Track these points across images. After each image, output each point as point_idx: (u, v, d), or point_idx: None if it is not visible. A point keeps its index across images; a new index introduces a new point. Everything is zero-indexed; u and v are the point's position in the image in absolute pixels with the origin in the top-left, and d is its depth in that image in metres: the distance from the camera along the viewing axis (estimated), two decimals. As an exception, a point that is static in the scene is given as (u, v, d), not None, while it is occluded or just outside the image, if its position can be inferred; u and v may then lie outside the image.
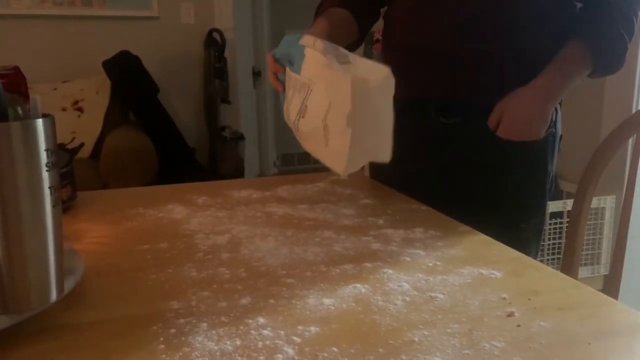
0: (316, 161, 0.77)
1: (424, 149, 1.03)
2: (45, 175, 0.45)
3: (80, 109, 2.93)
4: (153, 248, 0.70)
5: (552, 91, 0.92)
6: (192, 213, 0.84)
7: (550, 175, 1.03)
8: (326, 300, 0.54)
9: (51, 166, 0.45)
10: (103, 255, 0.68)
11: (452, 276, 0.60)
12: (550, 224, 2.01)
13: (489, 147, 0.96)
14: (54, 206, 0.46)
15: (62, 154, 0.87)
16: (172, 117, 3.26)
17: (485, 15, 0.94)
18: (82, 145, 2.87)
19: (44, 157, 0.44)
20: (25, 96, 0.49)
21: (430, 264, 0.64)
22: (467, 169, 0.99)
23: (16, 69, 0.49)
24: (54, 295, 0.48)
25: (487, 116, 0.94)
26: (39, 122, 0.44)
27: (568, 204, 1.98)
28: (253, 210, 0.85)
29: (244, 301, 0.54)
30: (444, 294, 0.56)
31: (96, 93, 3.00)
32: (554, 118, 1.00)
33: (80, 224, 0.81)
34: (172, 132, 3.21)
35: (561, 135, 1.05)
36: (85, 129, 2.89)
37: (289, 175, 1.10)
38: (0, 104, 0.42)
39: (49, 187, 0.45)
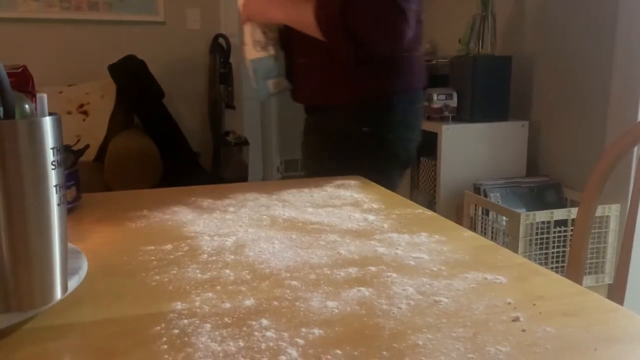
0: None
1: (304, 135, 1.38)
2: (51, 173, 0.45)
3: (85, 113, 2.94)
4: (157, 249, 0.70)
5: (272, 3, 1.19)
6: (197, 215, 0.84)
7: (380, 172, 1.18)
8: (330, 303, 0.54)
9: (57, 165, 0.46)
10: (107, 256, 0.68)
11: (456, 281, 0.60)
12: (554, 232, 2.00)
13: (326, 137, 1.29)
14: (58, 204, 0.46)
15: (67, 155, 0.87)
16: (177, 121, 3.27)
17: (301, 36, 1.18)
18: (87, 146, 2.86)
19: (50, 155, 0.44)
20: (32, 95, 0.49)
21: (435, 269, 0.63)
22: (319, 151, 1.32)
23: (24, 68, 0.50)
24: (58, 294, 0.48)
25: (325, 115, 1.28)
26: (46, 120, 0.44)
27: (572, 212, 1.97)
28: (258, 214, 0.85)
29: (247, 303, 0.54)
30: (448, 298, 0.56)
31: (101, 97, 3.01)
32: (366, 119, 1.23)
33: (85, 225, 0.81)
34: (177, 137, 3.22)
35: (391, 137, 1.25)
36: (90, 133, 2.90)
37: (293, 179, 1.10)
38: (8, 101, 0.43)
39: (55, 186, 0.45)
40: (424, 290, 0.57)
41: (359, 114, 1.23)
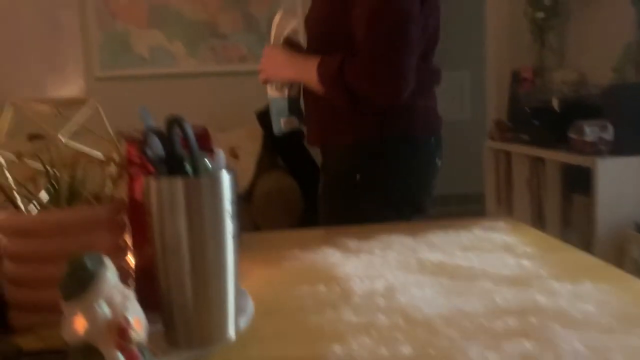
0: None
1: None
2: (228, 223, 0.50)
3: (235, 156, 3.18)
4: (311, 290, 0.73)
5: (281, 63, 1.33)
6: (345, 256, 0.87)
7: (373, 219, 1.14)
8: (490, 355, 0.52)
9: (233, 215, 0.50)
10: (267, 295, 0.73)
11: (632, 337, 0.55)
12: None
13: (326, 178, 1.41)
14: (234, 252, 0.50)
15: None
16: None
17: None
18: (245, 190, 3.09)
19: (228, 207, 0.49)
20: (211, 151, 0.55)
21: (605, 322, 0.59)
22: (322, 191, 1.42)
23: (204, 129, 0.56)
24: (231, 333, 0.52)
25: (326, 156, 1.41)
26: (225, 176, 0.49)
27: None
28: (405, 256, 0.85)
29: (404, 350, 0.54)
30: (624, 356, 0.51)
31: (249, 141, 3.24)
32: (359, 163, 1.27)
33: (244, 264, 0.87)
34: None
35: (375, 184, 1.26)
36: (240, 174, 3.13)
37: (437, 219, 1.09)
38: (196, 160, 0.48)
39: (231, 234, 0.50)
40: (594, 346, 0.53)
41: (352, 158, 1.29)
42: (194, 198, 0.48)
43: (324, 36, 1.27)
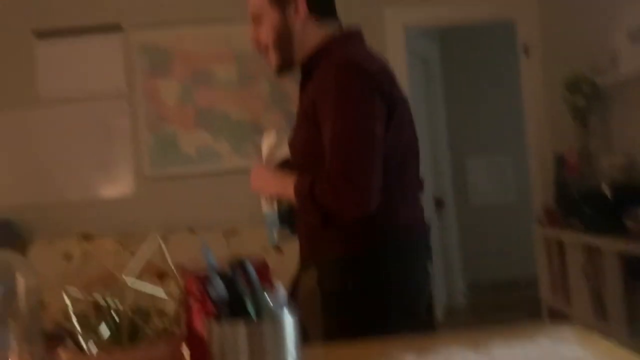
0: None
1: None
2: (291, 367, 0.48)
3: (280, 250, 3.19)
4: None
5: (266, 181, 1.46)
6: (405, 377, 0.83)
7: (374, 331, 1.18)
8: None
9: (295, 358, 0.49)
10: None
11: None
12: None
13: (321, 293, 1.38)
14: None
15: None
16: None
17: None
18: (289, 286, 3.06)
19: (292, 351, 0.48)
20: (271, 283, 0.55)
21: None
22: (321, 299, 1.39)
23: (263, 261, 0.56)
24: None
25: (313, 271, 1.41)
26: (288, 318, 0.48)
27: None
28: (470, 376, 0.80)
29: None
30: None
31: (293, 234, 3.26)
32: (348, 284, 1.31)
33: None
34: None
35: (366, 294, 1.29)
36: (283, 269, 3.11)
37: (491, 310, 1.04)
38: (259, 302, 0.48)
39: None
40: None
41: (342, 273, 1.33)
42: (256, 343, 0.47)
43: (305, 156, 1.38)
